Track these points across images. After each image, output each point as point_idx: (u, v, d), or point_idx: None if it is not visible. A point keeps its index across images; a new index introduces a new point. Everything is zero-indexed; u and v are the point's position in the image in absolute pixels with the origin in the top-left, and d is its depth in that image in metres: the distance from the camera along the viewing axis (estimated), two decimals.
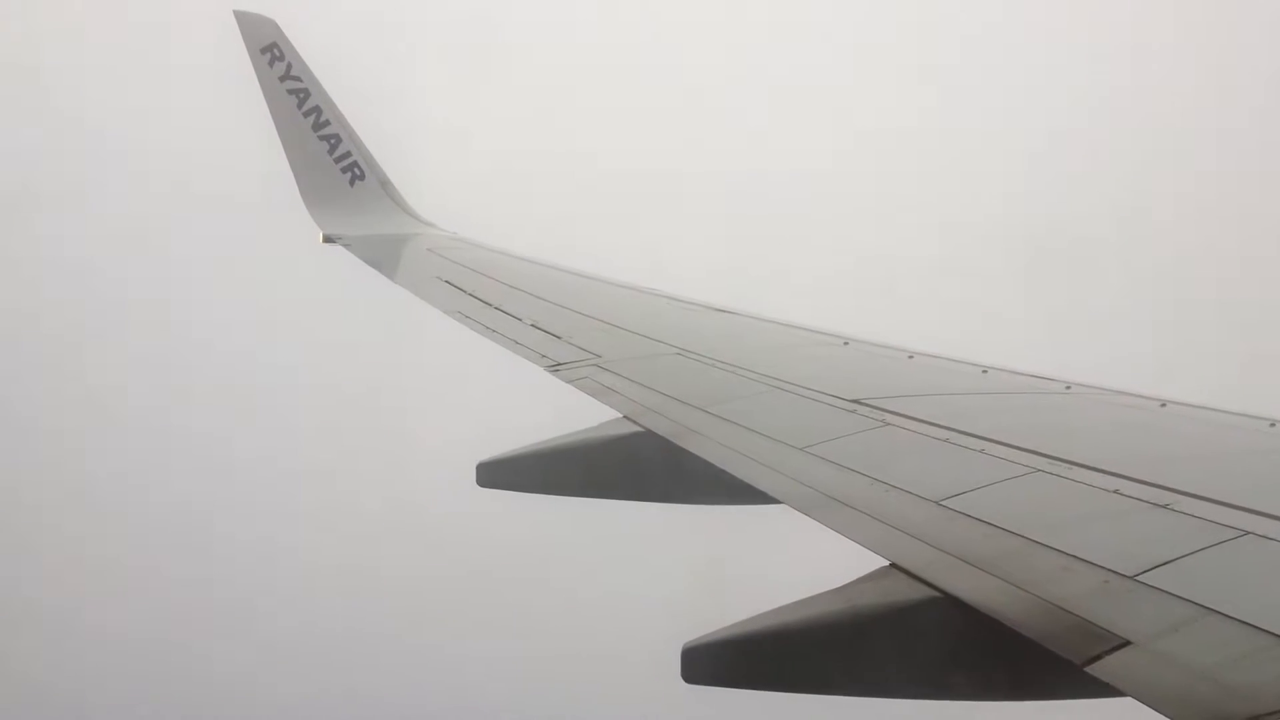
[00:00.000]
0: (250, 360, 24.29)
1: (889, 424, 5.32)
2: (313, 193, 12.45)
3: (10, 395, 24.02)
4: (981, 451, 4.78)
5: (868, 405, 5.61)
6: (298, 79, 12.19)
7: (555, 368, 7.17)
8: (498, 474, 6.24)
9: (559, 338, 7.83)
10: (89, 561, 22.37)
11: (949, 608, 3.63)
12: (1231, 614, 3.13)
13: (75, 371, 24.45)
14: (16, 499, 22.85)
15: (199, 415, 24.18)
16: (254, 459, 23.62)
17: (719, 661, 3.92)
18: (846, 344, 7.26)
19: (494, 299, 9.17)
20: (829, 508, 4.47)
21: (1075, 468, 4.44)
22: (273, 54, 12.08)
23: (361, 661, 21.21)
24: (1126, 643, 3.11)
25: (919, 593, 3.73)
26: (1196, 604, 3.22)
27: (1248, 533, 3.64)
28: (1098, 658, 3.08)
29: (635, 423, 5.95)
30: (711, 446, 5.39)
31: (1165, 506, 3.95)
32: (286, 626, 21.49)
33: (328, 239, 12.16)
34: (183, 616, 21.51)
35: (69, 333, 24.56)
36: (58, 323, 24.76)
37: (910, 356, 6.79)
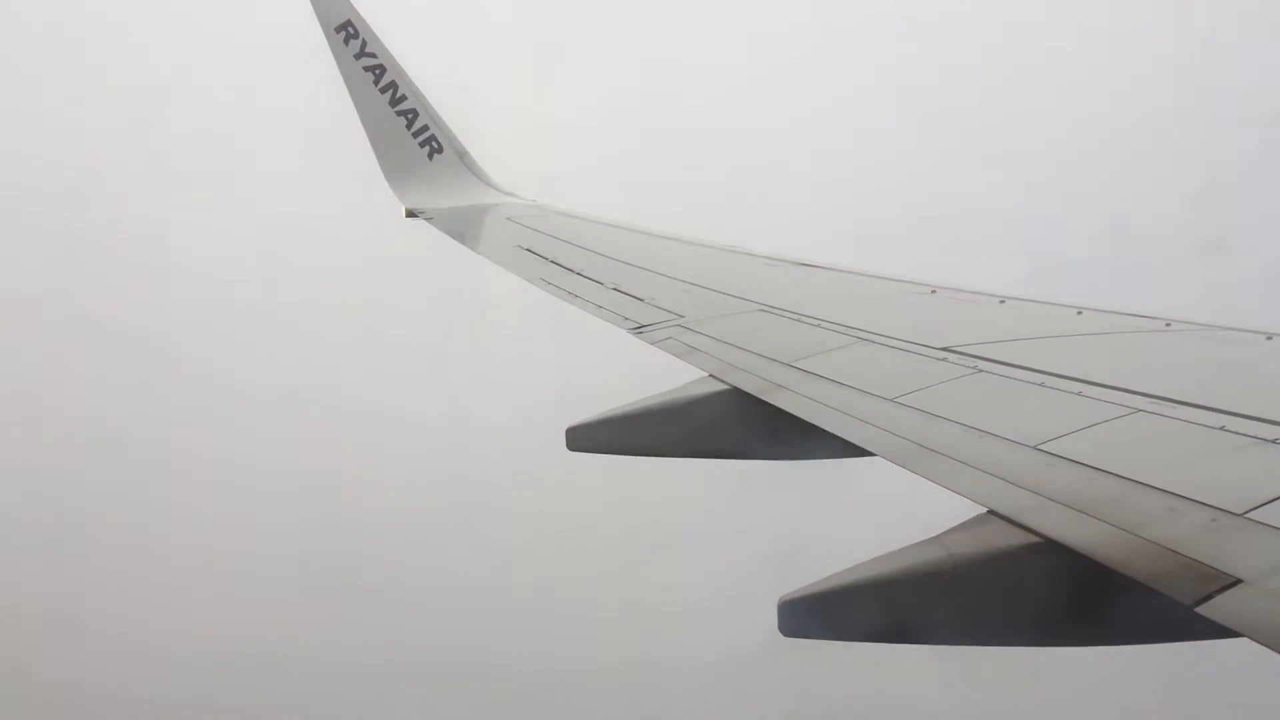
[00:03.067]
0: (333, 333, 24.71)
1: (981, 370, 5.22)
2: (393, 168, 12.62)
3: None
4: (1079, 394, 4.67)
5: (958, 352, 5.51)
6: (373, 55, 12.32)
7: (639, 330, 7.19)
8: (586, 437, 6.28)
9: (641, 300, 7.84)
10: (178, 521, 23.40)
11: (1051, 553, 3.57)
12: None
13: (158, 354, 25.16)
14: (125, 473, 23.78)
15: (277, 384, 24.62)
16: (342, 427, 24.13)
17: (816, 614, 3.91)
18: (934, 292, 7.13)
19: (575, 264, 9.21)
20: (922, 457, 4.41)
21: (1179, 406, 4.31)
22: (347, 32, 12.22)
23: (460, 622, 21.74)
24: (1238, 581, 3.02)
25: (1019, 539, 3.68)
26: None
27: None
28: (1208, 598, 3.01)
29: (722, 381, 5.94)
30: (800, 401, 5.36)
31: (1274, 442, 3.82)
32: (375, 598, 21.99)
33: (410, 214, 12.34)
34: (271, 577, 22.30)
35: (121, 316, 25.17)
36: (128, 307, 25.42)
37: (1001, 301, 6.64)
